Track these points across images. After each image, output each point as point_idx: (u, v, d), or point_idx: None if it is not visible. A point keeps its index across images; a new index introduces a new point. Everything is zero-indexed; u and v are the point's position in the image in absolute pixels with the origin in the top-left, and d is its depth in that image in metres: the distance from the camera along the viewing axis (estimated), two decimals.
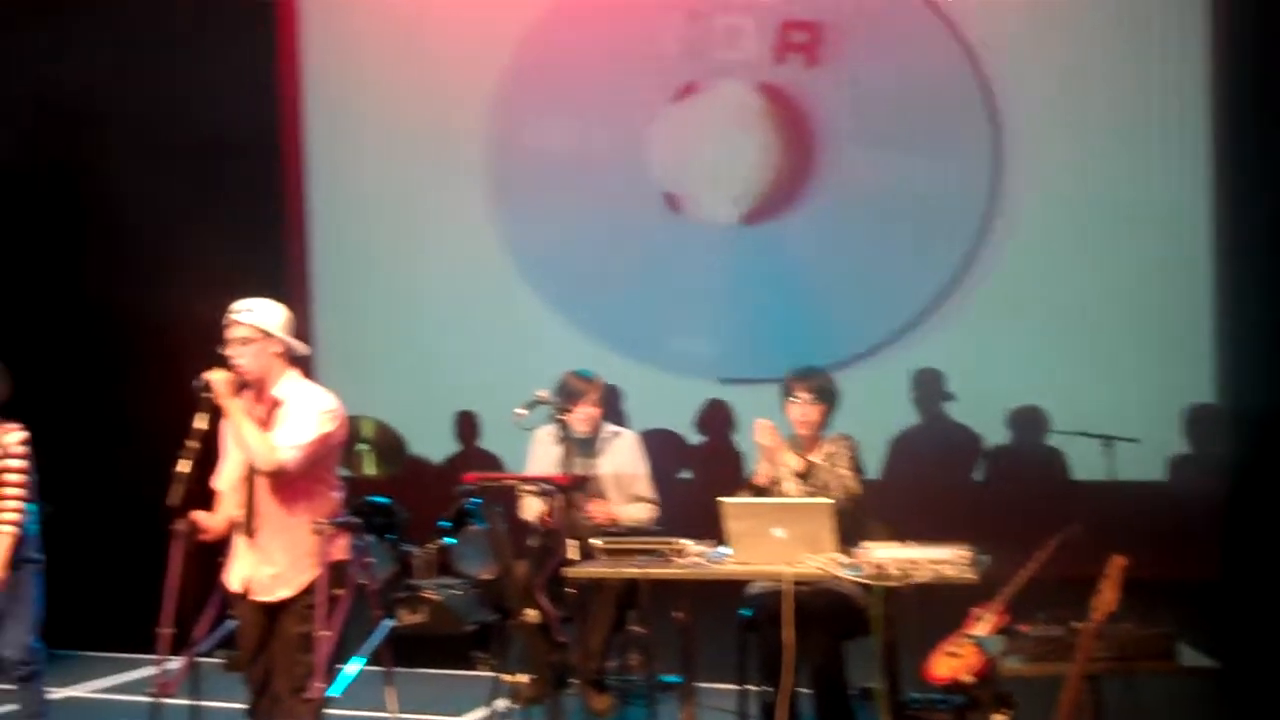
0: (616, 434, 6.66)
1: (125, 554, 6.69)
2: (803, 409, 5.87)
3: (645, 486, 6.59)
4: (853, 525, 5.52)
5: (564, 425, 6.18)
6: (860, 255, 8.41)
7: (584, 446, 6.46)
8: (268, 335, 5.07)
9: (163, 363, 6.62)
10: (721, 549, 5.48)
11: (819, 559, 5.19)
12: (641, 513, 6.53)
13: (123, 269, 8.52)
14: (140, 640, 5.65)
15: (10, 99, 8.31)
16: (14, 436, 5.74)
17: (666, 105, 8.77)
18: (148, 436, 6.04)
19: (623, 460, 6.58)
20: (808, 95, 8.53)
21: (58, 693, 6.69)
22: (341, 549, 5.20)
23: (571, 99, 8.93)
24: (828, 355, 7.19)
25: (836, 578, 5.19)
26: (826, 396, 5.91)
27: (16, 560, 5.65)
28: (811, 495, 5.64)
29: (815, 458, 5.83)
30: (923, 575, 5.07)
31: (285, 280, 8.68)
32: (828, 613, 5.41)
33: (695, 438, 8.42)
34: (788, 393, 5.91)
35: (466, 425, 8.70)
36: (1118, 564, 4.70)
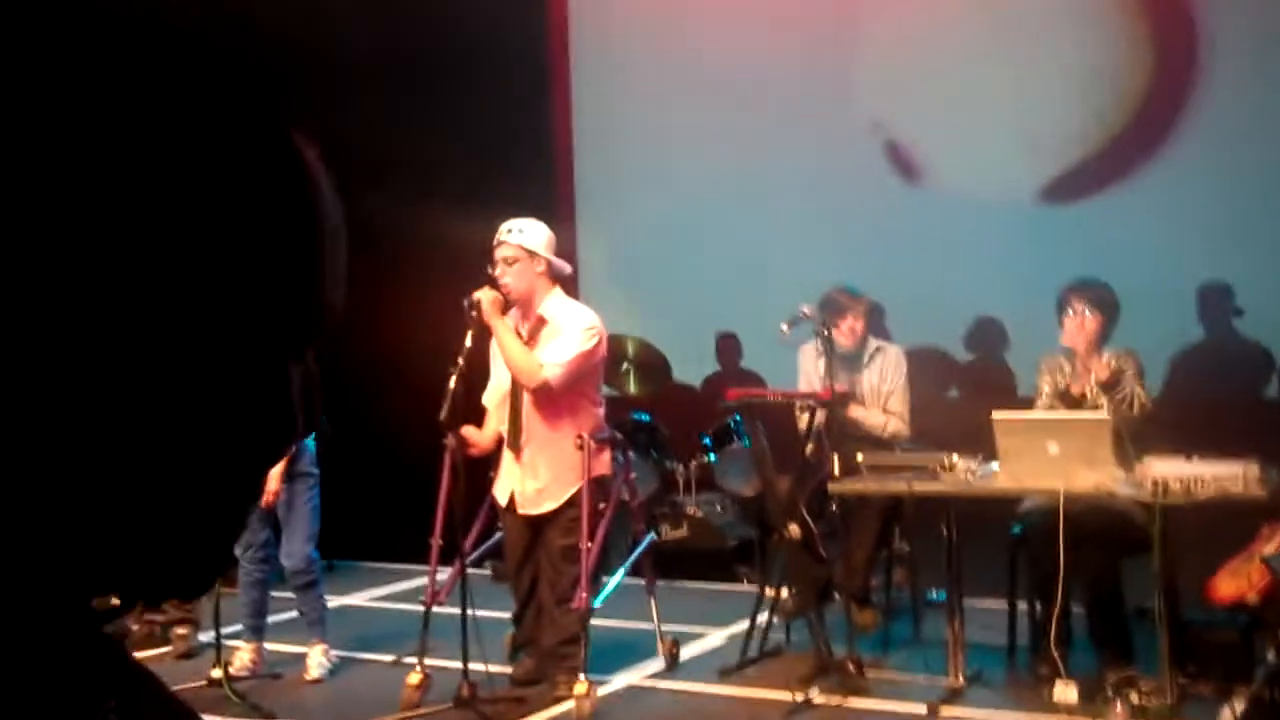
0: (880, 348, 6.51)
1: (399, 469, 6.88)
2: (1080, 320, 5.61)
3: (898, 401, 6.41)
4: (1136, 441, 5.28)
5: (828, 340, 6.07)
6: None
7: (849, 361, 6.35)
8: (533, 255, 5.13)
9: (434, 282, 6.75)
10: (989, 465, 5.32)
11: (1095, 475, 4.99)
12: (877, 420, 6.33)
13: (395, 193, 8.70)
14: (413, 551, 5.82)
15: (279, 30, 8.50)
16: None
17: None
18: (421, 354, 6.17)
19: (889, 374, 6.44)
20: None
21: (336, 600, 6.94)
22: (604, 464, 5.25)
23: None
24: None
25: (1113, 494, 4.98)
26: (1106, 308, 5.64)
27: (293, 474, 5.77)
28: (1109, 407, 5.39)
29: (1098, 372, 5.58)
30: (1206, 492, 4.83)
31: (551, 201, 8.72)
32: (1104, 530, 5.20)
33: (964, 354, 8.05)
34: (1063, 305, 5.66)
35: (727, 346, 8.49)
36: None
